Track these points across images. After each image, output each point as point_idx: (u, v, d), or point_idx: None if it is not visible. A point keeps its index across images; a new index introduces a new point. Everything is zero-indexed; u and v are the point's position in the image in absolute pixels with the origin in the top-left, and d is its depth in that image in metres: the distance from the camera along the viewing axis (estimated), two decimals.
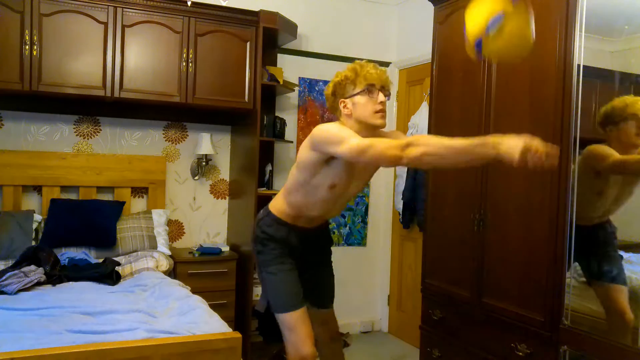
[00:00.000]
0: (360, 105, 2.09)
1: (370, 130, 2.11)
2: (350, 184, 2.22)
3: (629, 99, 2.11)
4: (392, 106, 4.47)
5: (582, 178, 2.17)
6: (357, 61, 2.17)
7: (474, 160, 1.91)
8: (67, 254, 3.07)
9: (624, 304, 2.07)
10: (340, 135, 1.96)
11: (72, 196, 3.50)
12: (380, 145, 1.87)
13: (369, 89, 2.08)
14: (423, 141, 1.86)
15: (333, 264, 2.58)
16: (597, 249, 2.24)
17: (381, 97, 2.08)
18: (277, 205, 2.34)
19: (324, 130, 2.03)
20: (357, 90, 2.08)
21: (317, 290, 2.49)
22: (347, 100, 2.11)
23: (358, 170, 2.18)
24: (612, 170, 2.20)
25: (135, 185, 3.66)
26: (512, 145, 1.64)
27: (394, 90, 4.48)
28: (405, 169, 3.98)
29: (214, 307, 2.56)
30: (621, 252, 2.15)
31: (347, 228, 4.39)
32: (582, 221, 2.18)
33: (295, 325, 2.22)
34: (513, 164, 1.62)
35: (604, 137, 2.20)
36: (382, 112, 2.10)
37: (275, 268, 2.29)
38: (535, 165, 1.60)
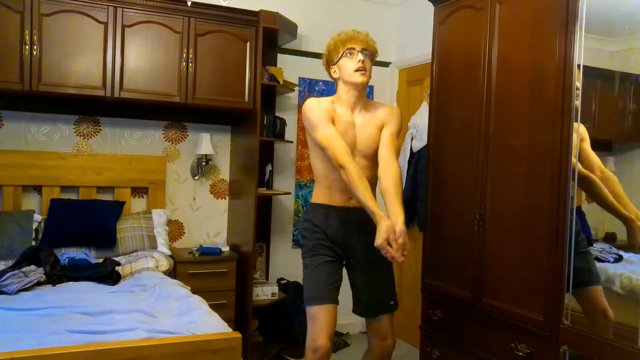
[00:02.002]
0: (343, 67, 2.35)
1: (357, 89, 2.35)
2: (354, 139, 2.36)
3: None
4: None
5: None
6: (341, 31, 2.40)
7: None
8: (67, 254, 3.07)
9: (604, 303, 2.10)
10: (313, 123, 2.28)
11: (72, 196, 3.50)
12: (330, 152, 2.23)
13: (349, 51, 2.33)
14: (349, 175, 2.19)
15: None
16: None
17: (360, 56, 2.30)
18: (314, 194, 2.47)
19: (305, 113, 2.33)
20: (340, 55, 2.34)
21: (367, 294, 2.44)
22: (335, 67, 2.39)
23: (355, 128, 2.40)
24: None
25: (135, 185, 3.66)
26: (380, 232, 2.06)
27: (394, 90, 4.49)
28: (405, 169, 3.98)
29: (214, 307, 2.56)
30: (621, 252, 2.15)
31: None
32: None
33: (315, 317, 2.26)
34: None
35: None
36: (361, 70, 2.31)
37: (309, 260, 2.36)
38: (387, 255, 2.07)
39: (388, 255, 2.05)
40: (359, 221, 2.35)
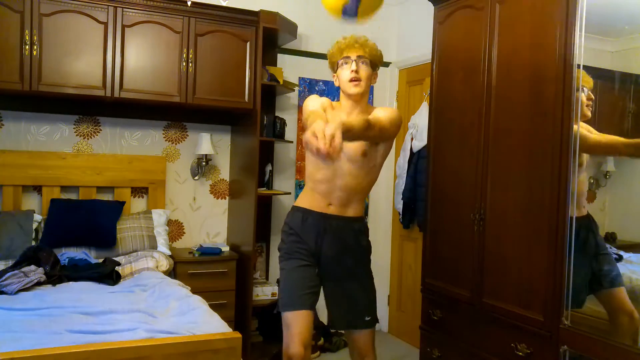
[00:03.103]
0: (340, 77, 2.26)
1: (352, 99, 2.24)
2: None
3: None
4: (392, 106, 4.47)
5: None
6: (344, 36, 2.29)
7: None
8: (67, 254, 3.07)
9: (629, 305, 2.05)
10: (307, 111, 2.11)
11: (72, 196, 3.50)
12: (310, 119, 1.85)
13: (345, 60, 2.23)
14: (313, 121, 1.82)
15: None
16: (589, 252, 2.22)
17: (353, 65, 2.19)
18: (298, 198, 2.38)
19: (304, 106, 2.23)
20: (336, 63, 2.26)
21: (337, 306, 2.32)
22: (335, 75, 2.30)
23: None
24: (589, 151, 2.20)
25: (135, 185, 3.66)
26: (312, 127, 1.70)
27: (394, 90, 4.49)
28: (405, 169, 3.98)
29: (214, 307, 2.56)
30: (621, 252, 2.15)
31: None
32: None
33: (289, 323, 2.15)
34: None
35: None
36: (355, 80, 2.20)
37: (284, 264, 2.28)
38: (313, 152, 1.64)
39: (312, 149, 1.63)
40: (336, 229, 2.25)
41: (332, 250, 2.26)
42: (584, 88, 2.16)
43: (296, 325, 2.14)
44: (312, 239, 2.25)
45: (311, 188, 2.29)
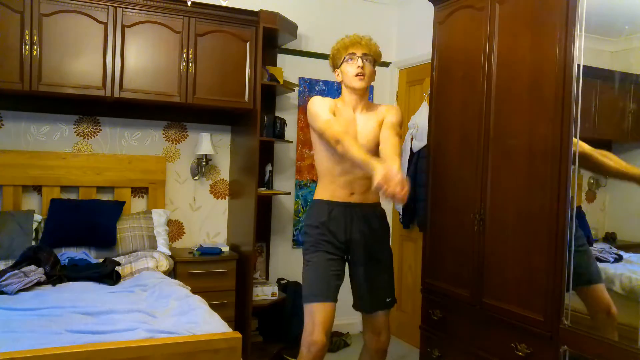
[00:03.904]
0: (344, 72, 2.42)
1: (357, 94, 2.42)
2: (356, 134, 2.39)
3: None
4: None
5: None
6: (347, 34, 2.46)
7: (364, 170, 2.17)
8: (67, 254, 3.06)
9: (607, 300, 2.10)
10: (314, 114, 2.33)
11: (72, 196, 3.50)
12: (327, 133, 2.24)
13: (350, 57, 2.39)
14: (345, 144, 2.17)
15: None
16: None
17: (359, 62, 2.37)
18: (316, 192, 2.49)
19: (309, 108, 2.39)
20: (342, 59, 2.42)
21: (365, 289, 2.46)
22: (338, 70, 2.46)
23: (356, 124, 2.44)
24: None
25: (135, 185, 3.66)
26: (377, 173, 1.92)
27: (394, 90, 4.49)
28: (405, 169, 3.98)
29: (214, 307, 2.56)
30: (621, 252, 2.15)
31: None
32: None
33: (313, 313, 2.27)
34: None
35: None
36: (361, 75, 2.38)
37: (309, 257, 2.38)
38: (387, 194, 1.88)
39: (387, 192, 1.86)
40: (362, 216, 2.40)
41: (361, 237, 2.40)
42: None
43: (321, 315, 2.25)
44: (341, 228, 2.37)
45: (330, 181, 2.41)
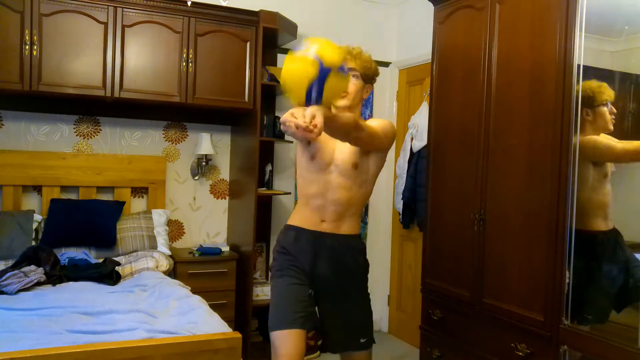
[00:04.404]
0: None
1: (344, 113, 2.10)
2: (332, 152, 2.14)
3: (598, 85, 2.17)
4: (392, 106, 4.48)
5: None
6: (342, 38, 2.18)
7: None
8: (67, 254, 3.07)
9: None
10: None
11: (72, 196, 3.50)
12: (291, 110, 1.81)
13: None
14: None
15: None
16: (618, 266, 2.15)
17: None
18: (291, 216, 2.26)
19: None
20: None
21: (338, 328, 2.17)
22: None
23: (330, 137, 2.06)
24: (619, 159, 2.18)
25: (135, 185, 3.66)
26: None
27: (394, 90, 4.49)
28: (405, 169, 3.98)
29: (214, 307, 2.56)
30: None
31: None
32: (582, 226, 2.15)
33: (278, 345, 1.98)
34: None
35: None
36: (343, 93, 2.07)
37: (276, 281, 2.14)
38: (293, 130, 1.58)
39: (291, 125, 1.58)
40: (330, 248, 2.13)
41: (328, 270, 2.13)
42: (607, 102, 2.13)
43: (285, 346, 1.96)
44: (306, 259, 2.12)
45: (304, 203, 2.19)
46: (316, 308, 2.16)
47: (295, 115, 1.56)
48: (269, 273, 2.26)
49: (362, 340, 2.17)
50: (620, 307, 2.14)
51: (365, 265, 2.25)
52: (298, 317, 2.01)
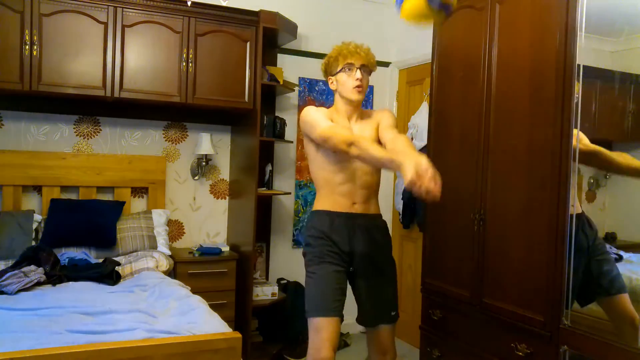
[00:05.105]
0: (341, 82, 2.34)
1: (353, 105, 2.37)
2: None
3: None
4: (392, 106, 4.48)
5: None
6: (343, 41, 2.39)
7: (388, 169, 2.23)
8: (67, 254, 3.07)
9: (631, 312, 2.01)
10: (312, 123, 2.25)
11: (72, 196, 3.50)
12: (335, 138, 2.13)
13: (348, 67, 2.31)
14: (361, 145, 2.07)
15: None
16: (589, 256, 2.20)
17: (358, 74, 2.30)
18: (316, 203, 2.40)
19: (304, 118, 2.31)
20: (339, 68, 2.33)
21: (368, 302, 2.37)
22: (333, 78, 2.38)
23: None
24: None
25: (135, 185, 3.66)
26: (407, 169, 1.79)
27: (394, 90, 4.49)
28: None
29: (214, 307, 2.56)
30: (621, 252, 2.14)
31: None
32: None
33: (318, 328, 2.19)
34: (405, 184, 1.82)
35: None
36: (359, 87, 2.31)
37: (316, 268, 2.28)
38: (421, 191, 1.78)
39: (421, 189, 1.76)
40: (364, 227, 2.33)
41: (364, 248, 2.32)
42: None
43: (327, 331, 2.18)
44: (343, 239, 2.30)
45: (330, 191, 2.34)
46: (353, 284, 2.38)
47: (422, 180, 1.76)
48: (305, 261, 2.36)
49: (392, 313, 2.40)
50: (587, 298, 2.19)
51: (391, 241, 2.49)
52: (338, 305, 2.23)
